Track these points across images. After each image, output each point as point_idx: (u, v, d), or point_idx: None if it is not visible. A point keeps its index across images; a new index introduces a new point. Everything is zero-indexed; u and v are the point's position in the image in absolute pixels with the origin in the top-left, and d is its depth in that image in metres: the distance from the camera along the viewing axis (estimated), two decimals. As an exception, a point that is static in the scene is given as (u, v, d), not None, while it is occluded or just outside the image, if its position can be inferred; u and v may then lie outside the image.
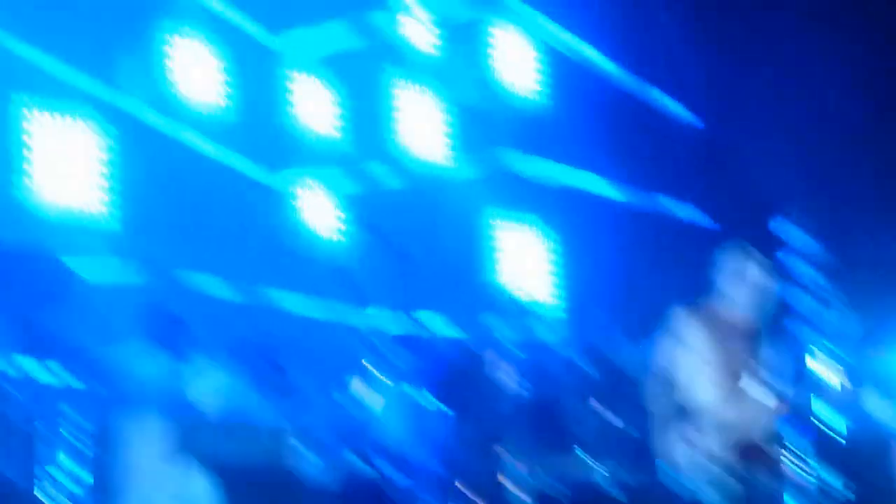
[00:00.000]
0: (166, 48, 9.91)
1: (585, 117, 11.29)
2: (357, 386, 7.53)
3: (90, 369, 6.79)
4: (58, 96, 9.29)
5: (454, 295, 9.70)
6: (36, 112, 9.16)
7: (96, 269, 8.81)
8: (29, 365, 7.11)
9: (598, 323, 9.45)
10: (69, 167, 9.34)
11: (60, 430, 6.58)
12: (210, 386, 7.14)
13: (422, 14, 11.17)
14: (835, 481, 6.10)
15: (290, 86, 10.69)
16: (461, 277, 9.81)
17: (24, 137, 9.05)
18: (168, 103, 9.93)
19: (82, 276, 7.73)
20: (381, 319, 8.58)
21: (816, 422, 6.09)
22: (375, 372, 7.45)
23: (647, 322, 6.99)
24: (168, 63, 9.90)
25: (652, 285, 9.39)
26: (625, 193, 11.70)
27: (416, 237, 9.48)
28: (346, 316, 9.53)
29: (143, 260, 9.37)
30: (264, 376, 7.45)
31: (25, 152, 9.06)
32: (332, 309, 10.26)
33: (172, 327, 7.66)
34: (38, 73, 9.17)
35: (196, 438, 6.76)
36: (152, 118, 9.83)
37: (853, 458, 6.14)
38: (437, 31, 11.27)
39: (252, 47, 10.40)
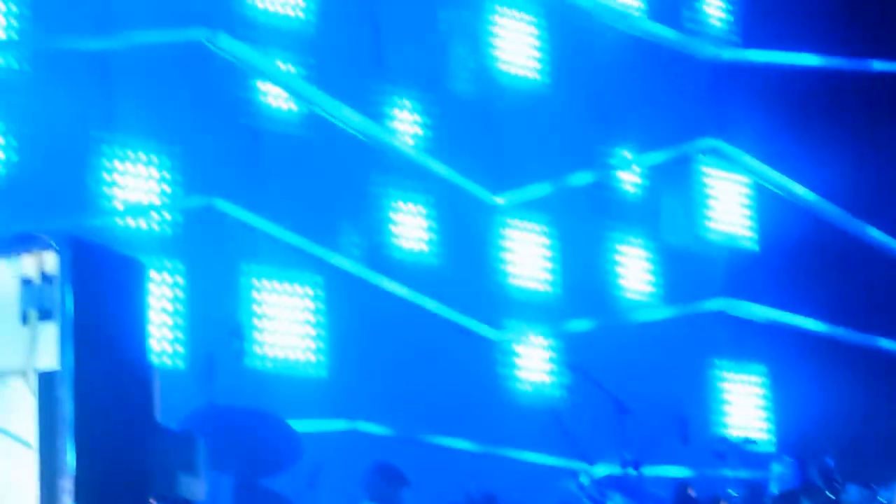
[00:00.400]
0: (390, 213, 10.39)
1: (795, 255, 11.26)
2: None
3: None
4: (282, 264, 9.82)
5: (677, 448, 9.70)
6: (264, 281, 9.73)
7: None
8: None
9: (823, 467, 9.31)
10: (290, 327, 9.89)
11: None
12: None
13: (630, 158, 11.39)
14: None
15: (503, 234, 10.99)
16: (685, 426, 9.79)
17: (254, 307, 9.60)
18: (386, 260, 10.38)
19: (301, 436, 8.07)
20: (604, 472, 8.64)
21: None
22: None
23: (881, 467, 6.92)
24: (391, 226, 10.36)
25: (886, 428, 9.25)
26: (840, 331, 11.57)
27: (637, 387, 9.54)
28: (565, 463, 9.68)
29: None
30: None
31: (255, 321, 9.61)
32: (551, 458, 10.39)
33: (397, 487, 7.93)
34: (264, 242, 9.72)
35: None
36: (373, 276, 10.24)
37: None
38: (643, 173, 11.48)
39: (469, 203, 10.76)
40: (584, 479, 7.54)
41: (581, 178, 11.12)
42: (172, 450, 4.05)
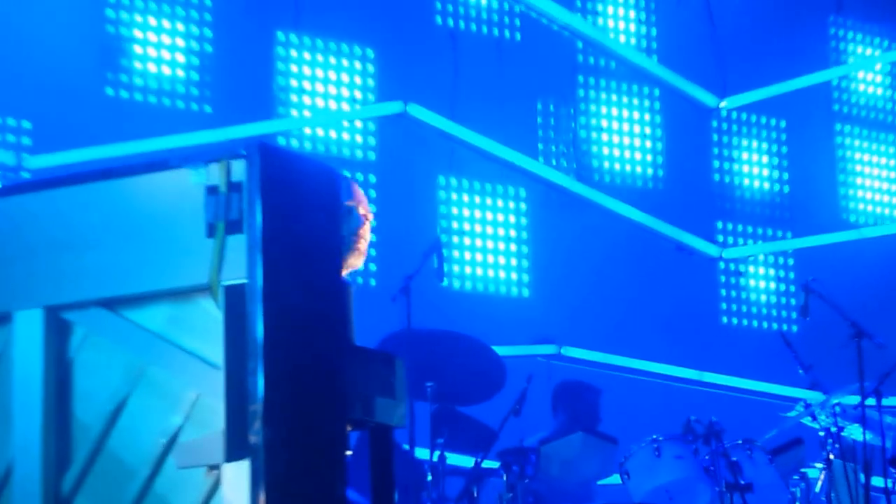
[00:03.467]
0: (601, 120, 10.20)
1: None
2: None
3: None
4: (482, 175, 9.76)
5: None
6: (463, 194, 9.69)
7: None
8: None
9: None
10: (490, 244, 9.85)
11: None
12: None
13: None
14: None
15: (726, 141, 10.76)
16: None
17: (453, 222, 9.56)
18: (594, 171, 10.23)
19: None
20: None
21: None
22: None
23: None
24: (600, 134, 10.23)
25: None
26: None
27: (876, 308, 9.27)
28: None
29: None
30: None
31: (453, 237, 9.59)
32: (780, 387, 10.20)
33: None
34: (462, 151, 9.65)
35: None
36: (580, 188, 10.11)
37: None
38: (884, 70, 11.09)
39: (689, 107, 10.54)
40: (818, 411, 7.36)
41: (813, 79, 10.77)
42: (369, 373, 3.99)
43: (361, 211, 4.84)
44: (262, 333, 3.63)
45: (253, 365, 3.60)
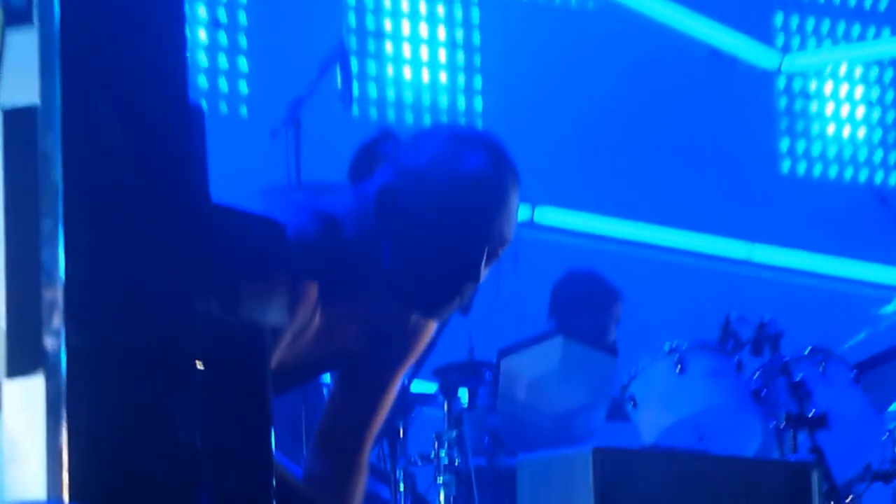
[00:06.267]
0: None
1: None
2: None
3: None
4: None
5: None
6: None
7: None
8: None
9: None
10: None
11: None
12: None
13: None
14: None
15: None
16: None
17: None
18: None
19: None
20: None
21: None
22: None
23: None
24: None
25: None
26: None
27: None
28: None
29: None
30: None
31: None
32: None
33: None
34: None
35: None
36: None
37: None
38: None
39: None
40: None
41: None
42: (237, 247, 3.99)
43: None
44: (62, 182, 3.62)
45: (50, 227, 3.59)
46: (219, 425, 3.87)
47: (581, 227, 10.26)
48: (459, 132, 4.36)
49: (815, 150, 11.03)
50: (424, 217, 4.15)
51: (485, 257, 4.15)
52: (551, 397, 7.41)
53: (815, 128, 11.02)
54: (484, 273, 4.22)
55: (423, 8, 10.21)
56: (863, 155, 11.07)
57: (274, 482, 3.80)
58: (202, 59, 9.57)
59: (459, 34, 10.26)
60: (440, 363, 7.12)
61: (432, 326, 4.50)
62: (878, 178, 10.85)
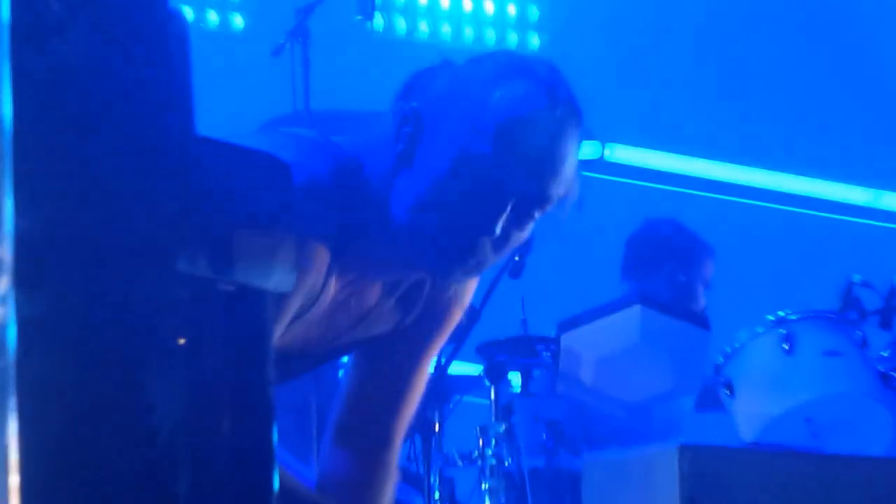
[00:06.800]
0: None
1: None
2: None
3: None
4: None
5: None
6: None
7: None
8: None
9: None
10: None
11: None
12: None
13: None
14: None
15: None
16: None
17: None
18: None
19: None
20: None
21: None
22: None
23: None
24: None
25: None
26: None
27: None
28: None
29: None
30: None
31: None
32: None
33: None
34: None
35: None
36: None
37: None
38: None
39: None
40: None
41: None
42: (234, 193, 4.00)
43: None
44: (12, 114, 3.62)
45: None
46: (207, 415, 3.87)
47: (662, 167, 10.29)
48: (510, 57, 4.21)
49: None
50: (440, 153, 4.02)
51: (508, 211, 3.98)
52: (626, 381, 7.42)
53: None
54: (523, 233, 4.09)
55: None
56: None
57: (276, 486, 3.80)
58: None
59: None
60: (485, 338, 7.14)
61: (470, 293, 4.43)
62: None
